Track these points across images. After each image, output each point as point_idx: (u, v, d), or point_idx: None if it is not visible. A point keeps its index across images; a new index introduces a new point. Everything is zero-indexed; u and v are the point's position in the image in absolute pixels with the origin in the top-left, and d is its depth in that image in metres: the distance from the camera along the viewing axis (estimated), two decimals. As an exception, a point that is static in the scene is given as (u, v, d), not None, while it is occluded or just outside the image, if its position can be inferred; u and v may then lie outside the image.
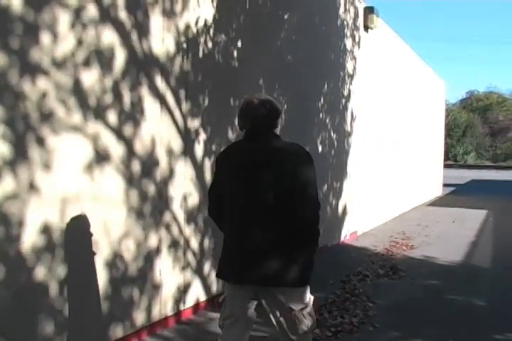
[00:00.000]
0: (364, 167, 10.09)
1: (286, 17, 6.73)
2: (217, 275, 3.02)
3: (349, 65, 9.18)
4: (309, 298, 2.96)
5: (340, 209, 9.00)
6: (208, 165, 5.16)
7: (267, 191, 2.78)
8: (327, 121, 8.31)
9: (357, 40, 9.50)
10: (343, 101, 9.03)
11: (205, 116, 5.08)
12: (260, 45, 6.07)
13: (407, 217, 12.50)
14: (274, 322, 2.91)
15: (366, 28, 9.83)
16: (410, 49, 13.91)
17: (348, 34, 9.09)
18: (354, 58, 9.40)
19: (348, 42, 9.12)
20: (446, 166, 21.96)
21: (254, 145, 2.89)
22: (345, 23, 8.91)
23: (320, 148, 8.05)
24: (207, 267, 5.22)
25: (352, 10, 9.21)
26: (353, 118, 9.42)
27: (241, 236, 2.84)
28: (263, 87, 6.17)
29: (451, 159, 48.72)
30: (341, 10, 8.76)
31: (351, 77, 9.32)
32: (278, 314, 2.88)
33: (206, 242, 5.18)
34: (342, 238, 9.13)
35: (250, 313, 2.96)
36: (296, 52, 7.06)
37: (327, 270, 6.45)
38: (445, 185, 20.58)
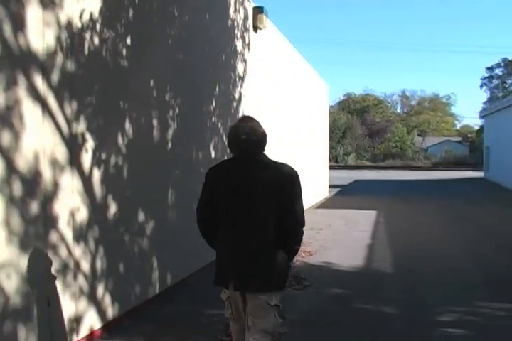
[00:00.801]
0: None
1: (176, 14, 6.29)
2: (217, 284, 3.36)
3: (240, 67, 8.88)
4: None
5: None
6: (97, 175, 4.61)
7: (265, 206, 3.23)
8: (219, 125, 7.94)
9: (247, 41, 9.21)
10: (235, 104, 8.71)
11: (93, 121, 4.53)
12: (151, 43, 5.58)
13: (300, 221, 12.33)
14: (249, 320, 3.30)
15: (255, 28, 9.58)
16: (296, 51, 13.89)
17: (239, 35, 8.78)
18: (244, 60, 9.10)
19: (239, 44, 8.80)
20: (329, 167, 22.25)
21: (249, 167, 3.28)
22: (235, 23, 8.59)
23: (213, 154, 7.67)
24: (100, 290, 4.66)
25: (242, 10, 8.91)
26: (245, 122, 9.08)
27: (238, 247, 3.24)
28: (154, 88, 5.69)
29: (333, 160, 50.00)
30: (231, 10, 8.43)
31: (242, 79, 9.01)
32: (255, 312, 3.28)
33: (98, 263, 4.62)
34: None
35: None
36: (189, 52, 6.62)
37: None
38: (330, 186, 20.87)
